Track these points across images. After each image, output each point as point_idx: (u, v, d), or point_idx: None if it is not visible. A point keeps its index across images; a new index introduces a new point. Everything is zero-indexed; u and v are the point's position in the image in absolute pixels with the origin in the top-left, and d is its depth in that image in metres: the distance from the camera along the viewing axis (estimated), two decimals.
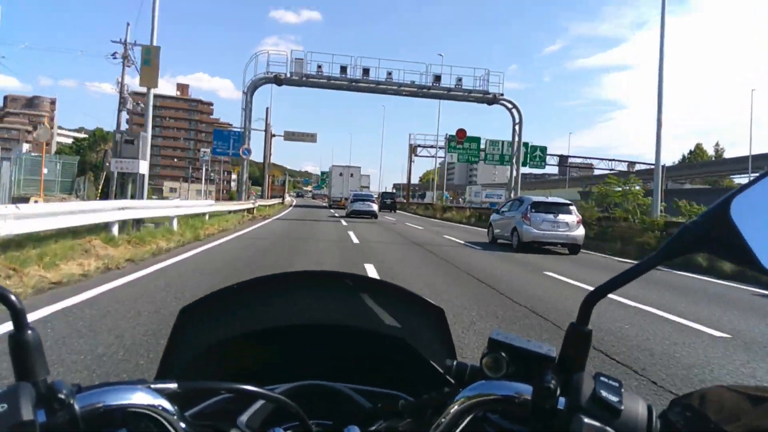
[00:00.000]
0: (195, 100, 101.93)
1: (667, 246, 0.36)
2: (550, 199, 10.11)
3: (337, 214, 22.17)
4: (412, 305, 0.65)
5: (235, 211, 15.78)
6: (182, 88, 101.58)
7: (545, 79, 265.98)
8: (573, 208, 9.60)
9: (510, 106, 23.72)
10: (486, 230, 11.80)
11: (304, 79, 21.88)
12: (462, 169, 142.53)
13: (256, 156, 26.37)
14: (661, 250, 0.36)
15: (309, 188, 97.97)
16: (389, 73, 22.12)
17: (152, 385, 0.37)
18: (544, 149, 26.94)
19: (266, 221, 15.11)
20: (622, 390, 0.35)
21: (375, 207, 20.44)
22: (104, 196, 16.72)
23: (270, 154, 31.09)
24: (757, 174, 0.36)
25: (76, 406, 0.33)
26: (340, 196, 32.11)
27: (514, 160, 24.02)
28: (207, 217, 12.25)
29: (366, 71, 21.87)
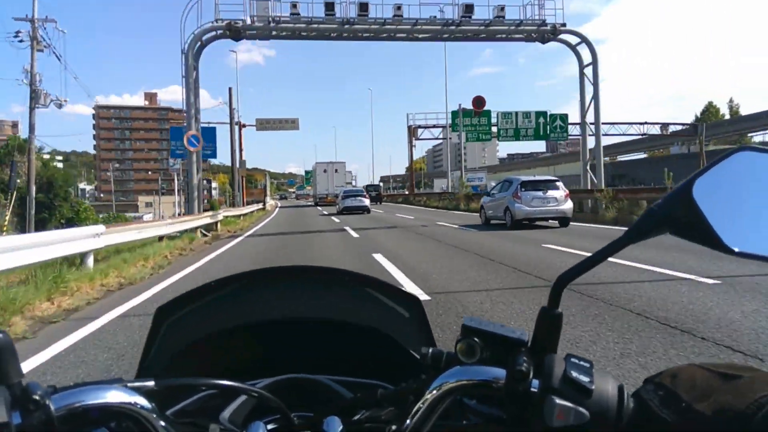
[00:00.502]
0: (164, 108, 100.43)
1: (633, 228, 0.40)
2: (538, 177, 11.33)
3: (326, 212, 22.96)
4: (387, 295, 0.71)
5: (186, 231, 10.74)
6: (150, 97, 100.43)
7: (520, 60, 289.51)
8: (560, 183, 10.78)
9: (576, 41, 17.77)
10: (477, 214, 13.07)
11: (272, 25, 15.51)
12: (451, 155, 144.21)
13: (224, 156, 26.80)
14: (628, 232, 0.40)
15: (293, 189, 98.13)
16: (398, 8, 16.29)
17: (129, 384, 0.40)
18: (564, 117, 23.54)
19: (231, 243, 10.28)
20: (593, 370, 0.38)
21: (366, 202, 21.71)
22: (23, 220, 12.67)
23: (241, 150, 26.10)
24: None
25: (52, 407, 0.35)
26: (326, 193, 33.64)
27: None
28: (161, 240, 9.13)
29: (364, 6, 16.14)
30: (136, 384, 0.40)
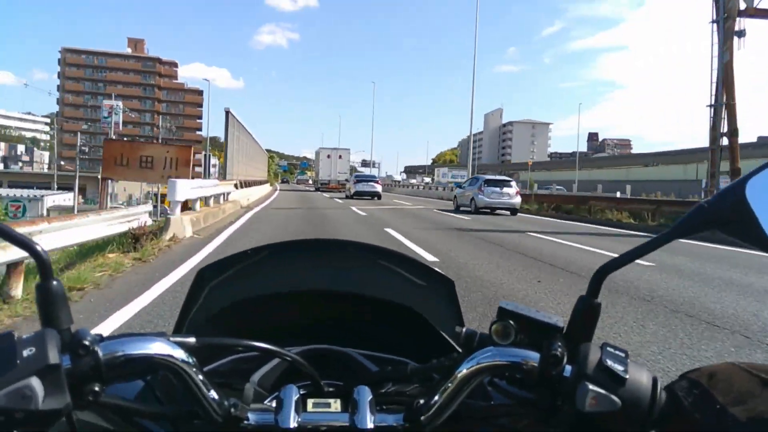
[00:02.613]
0: (152, 58, 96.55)
1: (681, 223, 0.47)
2: (497, 177, 18.75)
3: (332, 196, 29.15)
4: (423, 275, 0.86)
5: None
6: (135, 43, 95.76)
7: (545, 60, 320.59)
8: (513, 182, 18.13)
9: None
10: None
11: None
12: (492, 146, 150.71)
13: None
14: (675, 227, 0.47)
15: (292, 176, 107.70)
16: None
17: (171, 338, 0.49)
18: None
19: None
20: (628, 360, 0.46)
21: (378, 188, 27.99)
22: None
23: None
24: None
25: (100, 353, 0.44)
26: (329, 179, 40.75)
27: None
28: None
29: None
30: (178, 339, 0.50)
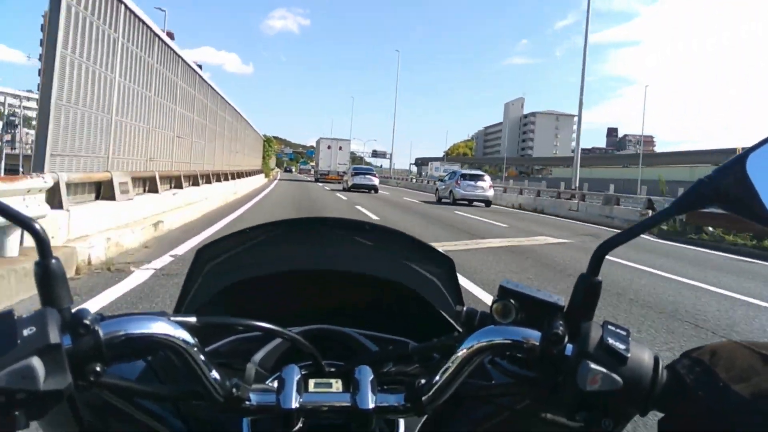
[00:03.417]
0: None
1: (681, 199, 0.50)
2: (472, 171, 22.70)
3: (332, 189, 31.52)
4: (422, 254, 0.93)
5: None
6: None
7: (557, 53, 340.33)
8: (487, 177, 22.17)
9: None
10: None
11: None
12: (512, 139, 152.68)
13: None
14: (675, 203, 0.50)
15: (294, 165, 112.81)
16: None
17: (172, 318, 0.52)
18: None
19: None
20: (630, 339, 0.49)
21: (375, 180, 30.29)
22: None
23: None
24: None
25: (101, 332, 0.47)
26: (328, 170, 44.44)
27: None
28: None
29: None
30: (179, 318, 0.53)
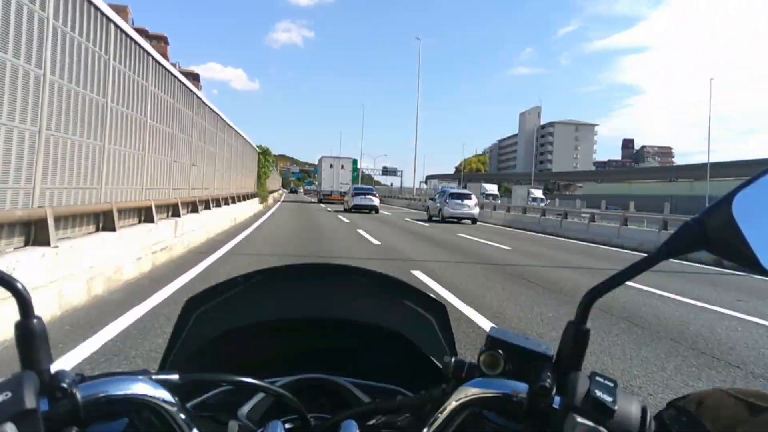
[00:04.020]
0: (138, 28, 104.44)
1: (668, 243, 0.53)
2: (460, 191, 26.33)
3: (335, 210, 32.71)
4: (413, 300, 0.97)
5: None
6: (119, 10, 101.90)
7: (562, 62, 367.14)
8: (473, 196, 25.57)
9: None
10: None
11: None
12: (528, 152, 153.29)
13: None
14: (662, 246, 0.53)
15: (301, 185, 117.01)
16: None
17: (154, 376, 0.56)
18: None
19: None
20: (617, 390, 0.52)
21: (376, 201, 31.97)
22: None
23: None
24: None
25: (79, 396, 0.50)
26: (330, 190, 46.46)
27: None
28: None
29: None
30: (161, 377, 0.56)
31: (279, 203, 40.28)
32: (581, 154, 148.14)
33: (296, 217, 24.82)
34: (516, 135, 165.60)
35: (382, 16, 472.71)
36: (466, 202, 25.52)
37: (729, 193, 0.51)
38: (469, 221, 25.55)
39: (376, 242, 14.48)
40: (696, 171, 62.59)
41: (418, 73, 52.10)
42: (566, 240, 18.99)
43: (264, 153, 35.25)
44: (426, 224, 23.64)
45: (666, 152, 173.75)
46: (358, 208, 31.39)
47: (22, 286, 0.51)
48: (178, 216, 11.04)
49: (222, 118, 18.11)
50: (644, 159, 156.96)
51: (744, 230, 0.50)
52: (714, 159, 55.62)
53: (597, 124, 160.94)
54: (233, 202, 19.74)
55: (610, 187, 76.09)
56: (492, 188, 72.05)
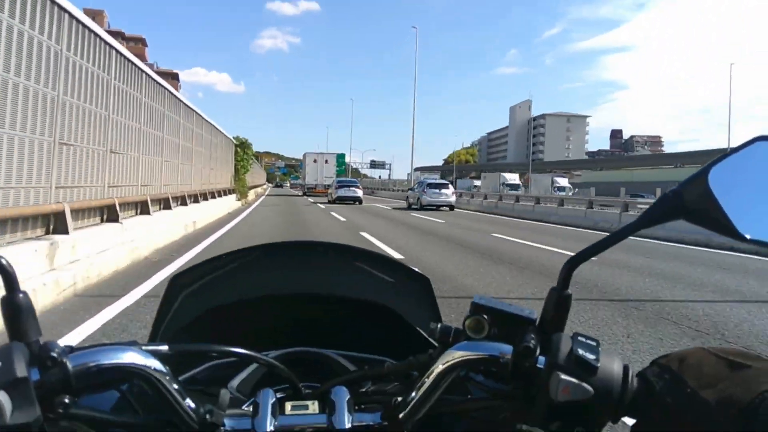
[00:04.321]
0: (113, 32, 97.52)
1: (647, 214, 0.57)
2: (437, 180, 28.67)
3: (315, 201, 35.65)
4: (398, 274, 1.03)
5: None
6: (93, 15, 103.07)
7: (547, 62, 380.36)
8: (450, 185, 27.95)
9: None
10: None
11: None
12: (519, 143, 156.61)
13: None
14: (641, 217, 0.57)
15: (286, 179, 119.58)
16: None
17: (144, 347, 0.57)
18: None
19: None
20: (599, 349, 0.55)
21: (360, 192, 34.22)
22: None
23: None
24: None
25: (69, 365, 0.51)
26: (315, 183, 49.88)
27: None
28: None
29: None
30: (151, 347, 0.58)
31: (262, 197, 40.70)
32: (573, 145, 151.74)
33: (278, 213, 22.38)
34: (506, 128, 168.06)
35: (369, 23, 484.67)
36: (443, 191, 27.98)
37: (705, 166, 0.56)
38: (447, 208, 27.88)
39: (343, 219, 18.89)
40: (685, 159, 65.17)
41: (415, 59, 50.90)
42: (518, 219, 21.85)
43: (242, 145, 32.73)
44: (398, 211, 25.79)
45: (656, 141, 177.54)
46: (342, 200, 33.25)
47: (6, 261, 0.53)
48: (65, 233, 6.83)
49: (179, 99, 14.61)
50: (633, 148, 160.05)
51: (720, 200, 0.54)
52: (699, 147, 58.14)
53: (589, 116, 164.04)
54: (196, 201, 16.21)
55: (610, 174, 76.72)
56: (513, 178, 69.79)
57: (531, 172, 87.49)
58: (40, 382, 0.50)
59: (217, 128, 22.84)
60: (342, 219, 19.03)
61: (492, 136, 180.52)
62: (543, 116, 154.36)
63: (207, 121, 19.99)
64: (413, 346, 0.87)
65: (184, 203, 14.41)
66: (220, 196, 21.87)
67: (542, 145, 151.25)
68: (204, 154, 19.56)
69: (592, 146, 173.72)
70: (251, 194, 36.48)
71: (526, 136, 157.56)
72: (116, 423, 0.59)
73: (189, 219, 13.54)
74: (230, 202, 23.88)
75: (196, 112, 17.69)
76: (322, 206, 27.94)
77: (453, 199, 28.09)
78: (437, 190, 27.86)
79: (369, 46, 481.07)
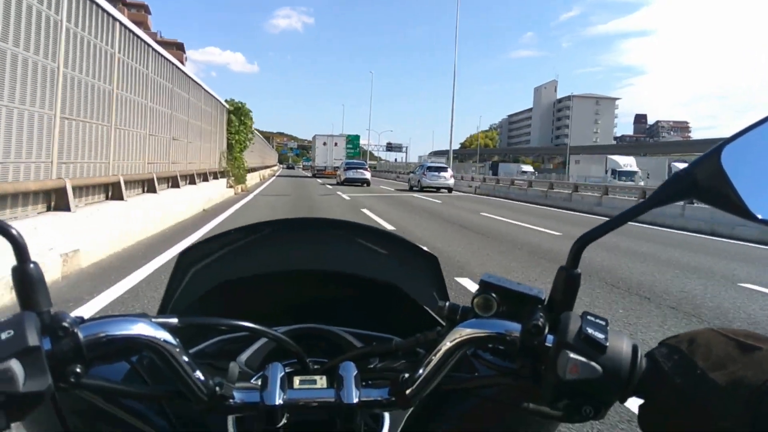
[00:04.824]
0: None
1: (658, 192, 0.59)
2: (436, 164, 32.39)
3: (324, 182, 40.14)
4: (406, 252, 1.07)
5: None
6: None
7: (564, 45, 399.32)
8: (449, 169, 31.78)
9: None
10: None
11: None
12: (544, 126, 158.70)
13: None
14: (652, 196, 0.59)
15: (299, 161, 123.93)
16: None
17: (154, 319, 0.60)
18: None
19: None
20: (608, 328, 0.57)
21: (367, 174, 37.01)
22: None
23: None
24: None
25: (80, 335, 0.54)
26: (324, 165, 53.77)
27: None
28: None
29: None
30: (161, 320, 0.61)
31: (269, 181, 37.77)
32: (601, 129, 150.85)
33: (283, 208, 17.22)
34: (528, 110, 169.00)
35: (383, 2, 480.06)
36: (442, 174, 31.68)
37: (717, 145, 0.57)
38: (445, 190, 31.67)
39: (348, 198, 22.25)
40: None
41: (456, 25, 43.23)
42: (512, 201, 25.08)
43: (237, 112, 24.18)
44: (401, 192, 29.22)
45: (683, 127, 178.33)
46: (350, 182, 36.03)
47: (17, 231, 0.55)
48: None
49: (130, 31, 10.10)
50: (659, 134, 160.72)
51: (732, 179, 0.55)
52: (714, 134, 60.15)
53: (619, 98, 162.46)
54: (150, 189, 11.44)
55: (642, 160, 70.99)
56: (627, 163, 54.36)
57: (552, 157, 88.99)
58: (51, 351, 0.53)
59: (197, 83, 16.39)
60: (347, 198, 22.10)
61: (513, 119, 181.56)
62: (569, 98, 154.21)
63: (180, 69, 14.17)
64: (419, 324, 0.92)
65: (116, 196, 9.29)
66: (201, 181, 16.53)
67: (567, 128, 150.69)
68: (180, 122, 14.30)
69: (619, 131, 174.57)
70: (253, 178, 31.82)
71: (551, 119, 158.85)
72: (127, 393, 0.64)
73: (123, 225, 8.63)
74: (218, 190, 18.55)
75: (168, 59, 12.78)
76: (330, 187, 31.86)
77: (451, 182, 31.84)
78: (436, 173, 31.60)
79: (385, 25, 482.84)
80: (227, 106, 23.39)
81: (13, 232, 0.55)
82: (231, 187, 21.91)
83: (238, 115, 24.46)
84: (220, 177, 20.77)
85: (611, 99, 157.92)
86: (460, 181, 35.06)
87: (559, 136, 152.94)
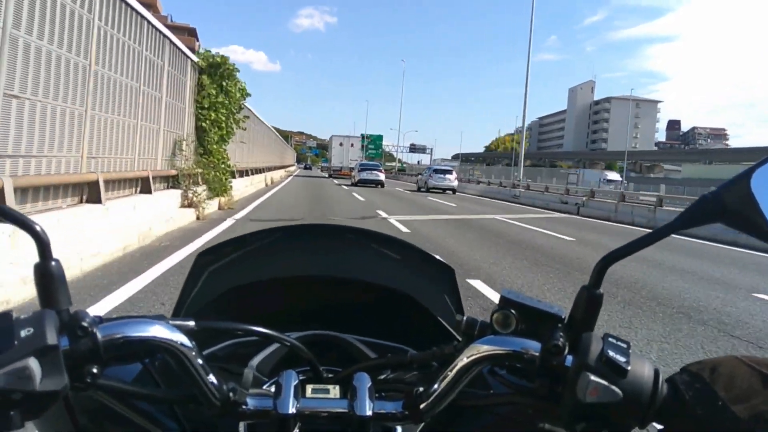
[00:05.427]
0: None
1: (684, 215, 0.60)
2: (442, 167, 38.83)
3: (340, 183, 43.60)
4: (422, 263, 1.11)
5: None
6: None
7: (587, 49, 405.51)
8: (453, 171, 37.08)
9: None
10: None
11: None
12: (579, 130, 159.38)
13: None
14: (678, 218, 0.61)
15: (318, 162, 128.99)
16: None
17: (171, 321, 0.63)
18: None
19: None
20: (630, 351, 0.59)
21: (381, 176, 40.18)
22: None
23: None
24: None
25: (99, 335, 0.57)
26: (340, 166, 57.12)
27: None
28: None
29: None
30: (178, 322, 0.64)
31: (282, 185, 34.01)
32: (642, 133, 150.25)
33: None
34: (560, 112, 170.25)
35: (408, 3, 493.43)
36: (447, 176, 36.94)
37: (748, 168, 0.59)
38: (450, 191, 36.48)
39: (363, 199, 25.16)
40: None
41: (531, 15, 37.59)
42: (506, 203, 29.02)
43: (215, 70, 16.07)
44: (410, 193, 33.80)
45: (720, 134, 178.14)
46: (363, 183, 39.01)
47: (41, 228, 0.58)
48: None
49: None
50: (695, 141, 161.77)
51: (762, 205, 0.57)
52: (742, 144, 62.70)
53: (661, 101, 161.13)
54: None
55: (716, 169, 74.32)
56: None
57: (585, 164, 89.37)
58: (69, 350, 0.56)
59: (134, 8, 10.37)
60: (362, 199, 24.86)
61: (544, 121, 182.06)
62: (608, 99, 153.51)
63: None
64: (432, 334, 0.98)
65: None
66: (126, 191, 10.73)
67: (605, 132, 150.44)
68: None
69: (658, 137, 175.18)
70: (254, 183, 26.05)
71: (586, 122, 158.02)
72: (140, 395, 0.67)
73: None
74: (130, 224, 9.17)
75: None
76: (345, 188, 34.92)
77: (455, 183, 36.91)
78: (442, 176, 36.83)
79: (408, 26, 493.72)
80: (194, 58, 15.37)
81: (37, 228, 0.58)
82: (189, 206, 12.93)
83: (215, 76, 16.15)
84: (171, 187, 13.33)
85: (653, 102, 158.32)
86: (502, 188, 35.14)
87: (596, 140, 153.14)
